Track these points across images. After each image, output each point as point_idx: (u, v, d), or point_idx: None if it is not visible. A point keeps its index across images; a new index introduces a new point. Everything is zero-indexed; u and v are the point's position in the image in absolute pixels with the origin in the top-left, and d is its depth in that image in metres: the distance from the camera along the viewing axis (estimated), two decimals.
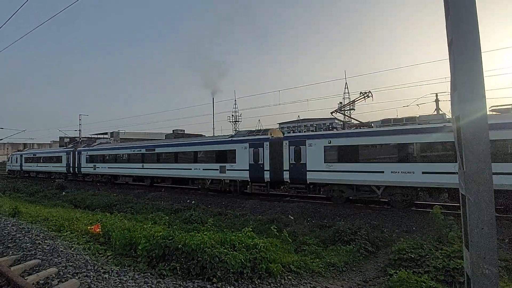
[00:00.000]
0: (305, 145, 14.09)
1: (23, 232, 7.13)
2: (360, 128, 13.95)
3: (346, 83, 54.73)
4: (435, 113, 24.15)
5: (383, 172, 11.97)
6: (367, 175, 12.37)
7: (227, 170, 16.76)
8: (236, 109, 65.81)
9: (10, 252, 5.78)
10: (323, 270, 5.80)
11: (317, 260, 6.22)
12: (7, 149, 69.33)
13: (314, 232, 9.28)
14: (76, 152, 28.99)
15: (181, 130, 35.83)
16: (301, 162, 14.16)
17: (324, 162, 13.46)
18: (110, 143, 39.78)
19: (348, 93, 53.05)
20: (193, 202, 15.34)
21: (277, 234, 7.47)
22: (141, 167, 21.88)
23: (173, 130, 35.30)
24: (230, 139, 17.30)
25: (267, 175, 15.30)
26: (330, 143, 13.45)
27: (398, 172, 11.67)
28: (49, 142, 71.30)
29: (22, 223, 8.22)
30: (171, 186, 21.73)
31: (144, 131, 55.52)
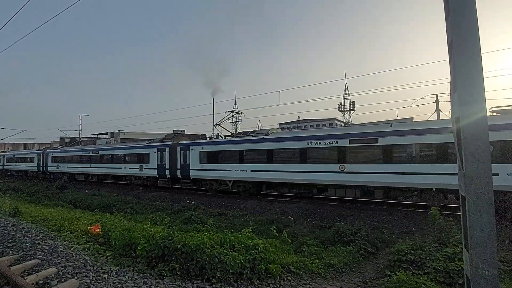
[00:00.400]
0: (189, 150, 18.77)
1: (23, 232, 7.13)
2: (224, 138, 18.79)
3: (346, 83, 54.65)
4: (435, 114, 24.13)
5: (230, 170, 16.57)
6: (223, 173, 17.03)
7: (144, 168, 21.78)
8: (236, 109, 65.79)
9: (10, 252, 5.78)
10: (323, 271, 5.79)
11: (317, 261, 6.21)
12: (8, 148, 69.27)
13: (314, 232, 9.27)
14: (45, 154, 33.82)
15: (181, 130, 35.79)
16: (187, 163, 18.85)
17: (200, 163, 18.22)
18: (110, 143, 40.08)
19: (349, 93, 52.97)
20: (193, 202, 15.33)
21: (277, 234, 7.47)
22: (89, 166, 27.02)
23: (173, 131, 35.24)
24: (146, 144, 22.46)
25: (167, 173, 20.11)
26: (203, 149, 18.26)
27: (239, 171, 16.22)
28: (50, 142, 71.31)
29: (22, 223, 8.22)
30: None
31: (144, 131, 55.44)
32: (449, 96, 2.61)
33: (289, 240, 7.35)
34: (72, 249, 5.98)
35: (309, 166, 13.75)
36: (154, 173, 20.94)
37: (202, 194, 18.33)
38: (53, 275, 4.57)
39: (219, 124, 19.67)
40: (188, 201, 15.89)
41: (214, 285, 4.59)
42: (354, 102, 52.84)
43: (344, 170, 12.69)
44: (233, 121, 64.94)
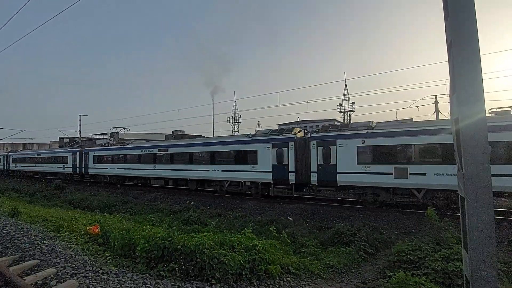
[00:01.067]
0: (89, 154, 27.54)
1: (22, 232, 7.11)
2: (112, 145, 27.12)
3: (345, 84, 54.76)
4: (435, 115, 24.17)
5: (107, 168, 25.47)
6: (104, 170, 25.79)
7: (65, 167, 30.86)
8: (236, 109, 65.84)
9: (9, 252, 5.77)
10: (322, 271, 5.79)
11: (316, 261, 6.21)
12: (7, 149, 69.09)
13: (313, 233, 9.27)
14: (7, 156, 43.98)
15: (180, 131, 35.88)
16: (87, 163, 27.67)
17: (93, 163, 26.91)
18: (109, 143, 40.39)
19: (348, 94, 53.00)
20: (192, 203, 15.32)
21: (276, 235, 7.46)
22: (34, 166, 36.48)
23: (172, 131, 35.33)
24: (66, 149, 32.82)
25: (78, 170, 28.97)
26: (95, 153, 26.95)
27: (111, 168, 25.05)
28: (49, 142, 71.13)
29: (21, 223, 8.20)
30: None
31: (144, 132, 55.29)
32: (448, 97, 2.62)
33: (289, 241, 7.35)
34: (71, 249, 5.97)
35: (142, 165, 22.30)
36: (70, 170, 30.06)
37: (202, 195, 18.33)
38: (52, 276, 4.56)
39: (112, 137, 28.15)
40: (187, 202, 15.88)
41: (213, 286, 4.59)
42: (353, 103, 52.88)
43: (156, 168, 21.09)
44: (233, 121, 65.03)
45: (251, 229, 6.84)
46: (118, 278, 4.62)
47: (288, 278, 5.22)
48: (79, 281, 4.39)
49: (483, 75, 2.34)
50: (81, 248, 6.12)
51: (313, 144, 13.70)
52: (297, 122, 64.19)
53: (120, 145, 25.42)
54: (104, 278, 4.58)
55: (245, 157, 16.04)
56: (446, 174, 10.62)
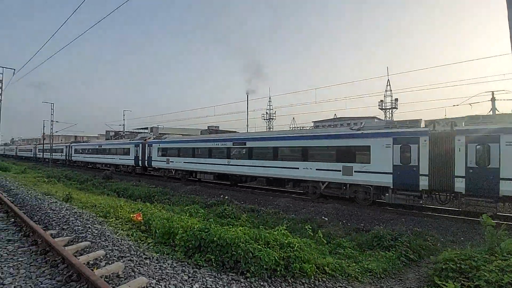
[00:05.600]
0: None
1: (75, 216, 7.80)
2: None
3: (388, 80, 51.51)
4: (491, 113, 21.96)
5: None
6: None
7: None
8: (271, 106, 65.71)
9: (65, 233, 6.35)
10: (360, 275, 5.55)
11: (354, 264, 5.98)
12: (61, 140, 76.44)
13: (350, 235, 8.95)
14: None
15: (215, 127, 36.79)
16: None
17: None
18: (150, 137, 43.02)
19: (391, 90, 49.82)
20: (226, 197, 15.64)
21: (311, 234, 7.32)
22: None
23: (208, 127, 36.35)
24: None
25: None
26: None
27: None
28: (97, 135, 77.41)
29: (74, 208, 9.01)
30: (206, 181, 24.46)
31: (181, 127, 57.47)
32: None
33: (324, 241, 7.16)
34: (117, 234, 6.41)
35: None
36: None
37: (237, 190, 18.64)
38: (102, 257, 4.93)
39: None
40: (221, 196, 16.25)
41: (248, 279, 4.63)
42: (396, 99, 49.68)
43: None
44: (268, 118, 65.19)
45: (285, 226, 6.78)
46: (159, 264, 4.86)
47: (323, 278, 5.10)
48: (125, 264, 4.69)
49: None
50: (126, 233, 6.55)
51: (147, 146, 26.64)
52: (334, 120, 62.35)
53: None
54: (147, 263, 4.84)
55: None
56: (176, 162, 22.98)
